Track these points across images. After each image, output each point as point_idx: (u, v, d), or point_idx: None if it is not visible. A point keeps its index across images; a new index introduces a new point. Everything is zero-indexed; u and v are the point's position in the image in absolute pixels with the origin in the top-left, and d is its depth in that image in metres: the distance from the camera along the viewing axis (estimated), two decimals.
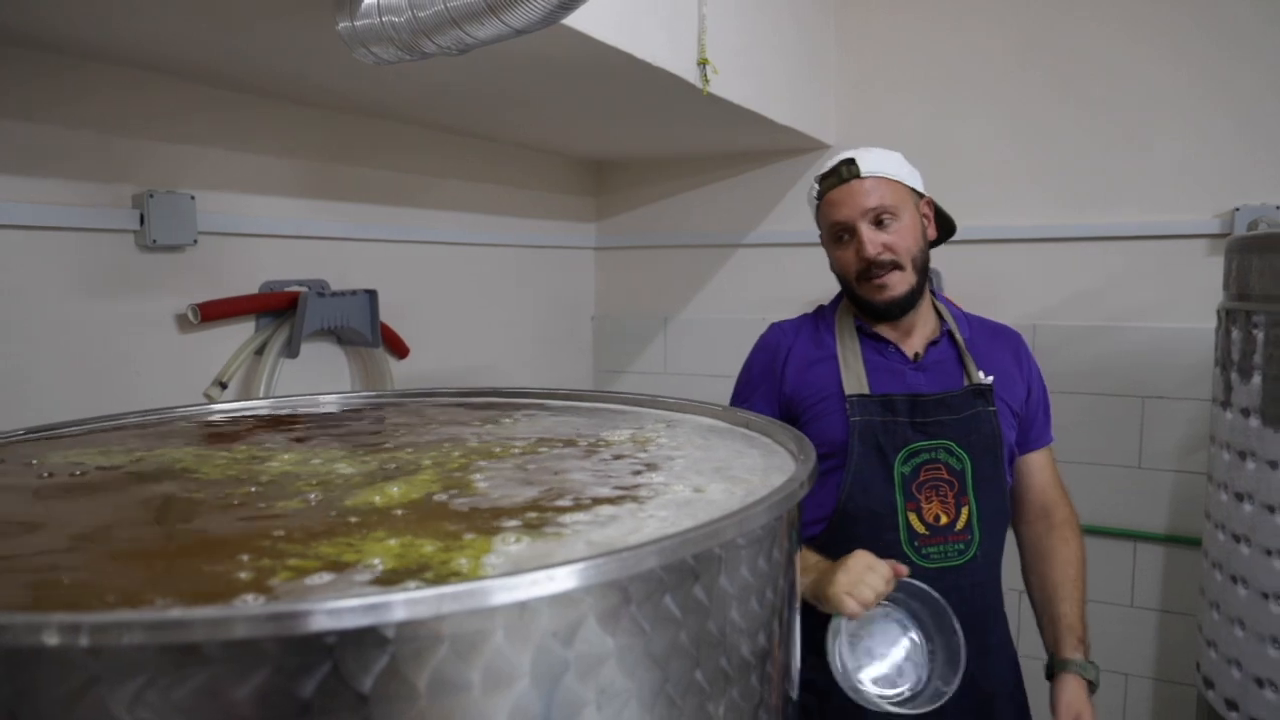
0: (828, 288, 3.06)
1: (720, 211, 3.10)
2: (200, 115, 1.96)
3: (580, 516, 0.78)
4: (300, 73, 1.88)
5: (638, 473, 0.93)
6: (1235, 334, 1.71)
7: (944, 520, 1.61)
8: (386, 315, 2.33)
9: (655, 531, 0.75)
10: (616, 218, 3.30)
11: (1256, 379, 1.65)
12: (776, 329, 1.84)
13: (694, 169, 3.14)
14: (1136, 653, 2.64)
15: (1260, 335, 1.63)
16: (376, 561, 0.69)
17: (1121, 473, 2.64)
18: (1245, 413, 1.68)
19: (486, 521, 0.79)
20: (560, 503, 0.83)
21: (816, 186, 1.73)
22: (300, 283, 2.15)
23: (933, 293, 1.77)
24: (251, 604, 0.60)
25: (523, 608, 0.58)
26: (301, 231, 2.21)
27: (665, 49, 1.90)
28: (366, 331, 2.22)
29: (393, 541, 0.73)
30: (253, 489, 0.91)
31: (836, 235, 1.70)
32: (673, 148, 2.98)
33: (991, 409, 1.65)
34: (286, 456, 1.06)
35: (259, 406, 1.45)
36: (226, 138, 2.02)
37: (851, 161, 1.66)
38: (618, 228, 3.29)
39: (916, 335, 1.71)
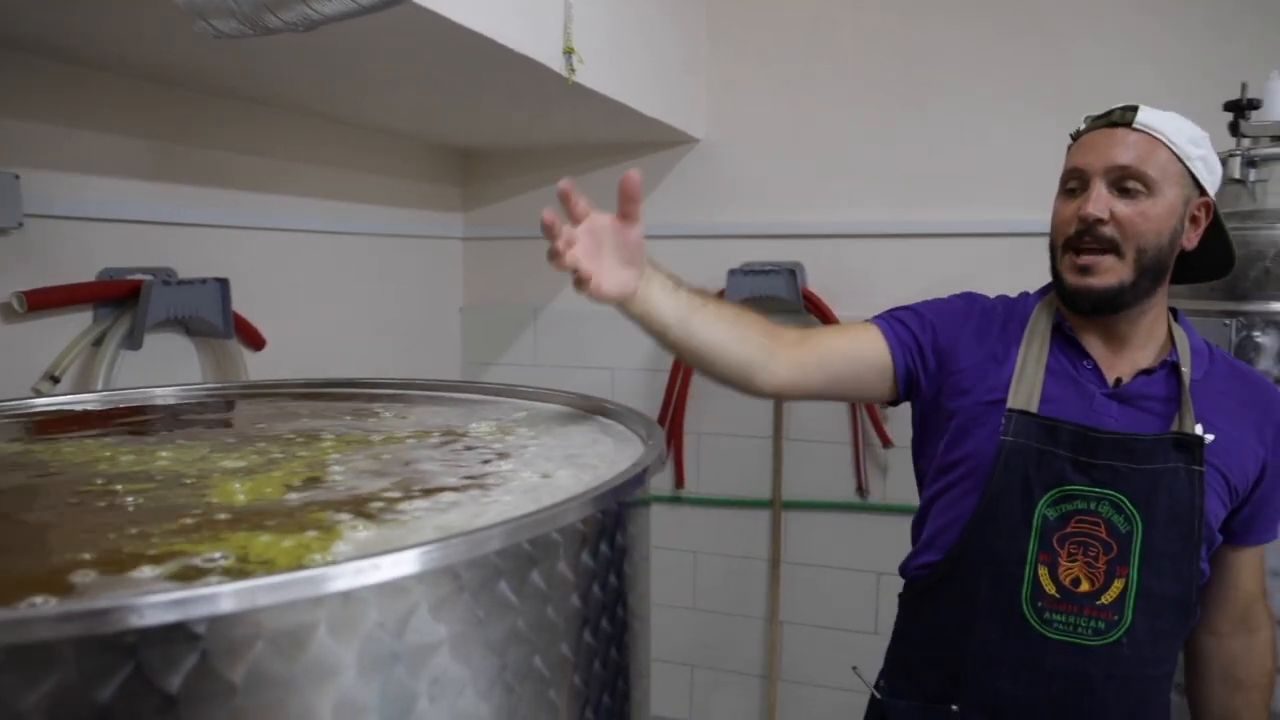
0: (699, 281, 3.10)
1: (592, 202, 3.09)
2: (26, 88, 1.82)
3: (420, 504, 0.76)
4: (138, 46, 1.77)
5: (487, 461, 0.92)
6: None
7: (1084, 587, 1.29)
8: (242, 305, 2.22)
9: (497, 517, 0.74)
10: (485, 208, 3.25)
11: None
12: (987, 302, 1.52)
13: (564, 159, 3.12)
14: None
15: None
16: (218, 555, 0.66)
17: None
18: None
19: (332, 513, 0.76)
20: (403, 492, 0.81)
21: (1081, 126, 1.40)
22: (145, 270, 2.03)
23: (1174, 316, 1.41)
24: (41, 605, 0.56)
25: (346, 598, 0.56)
26: (146, 216, 2.08)
27: (529, 36, 1.88)
28: (218, 322, 2.12)
29: (238, 536, 0.70)
30: (95, 485, 0.85)
31: (1067, 184, 1.36)
32: (541, 137, 2.96)
33: (1196, 469, 1.28)
34: (134, 451, 1.00)
35: (90, 400, 1.37)
36: (57, 113, 1.89)
37: (1133, 108, 1.32)
38: (486, 218, 3.25)
39: (1126, 357, 1.36)
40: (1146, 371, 1.34)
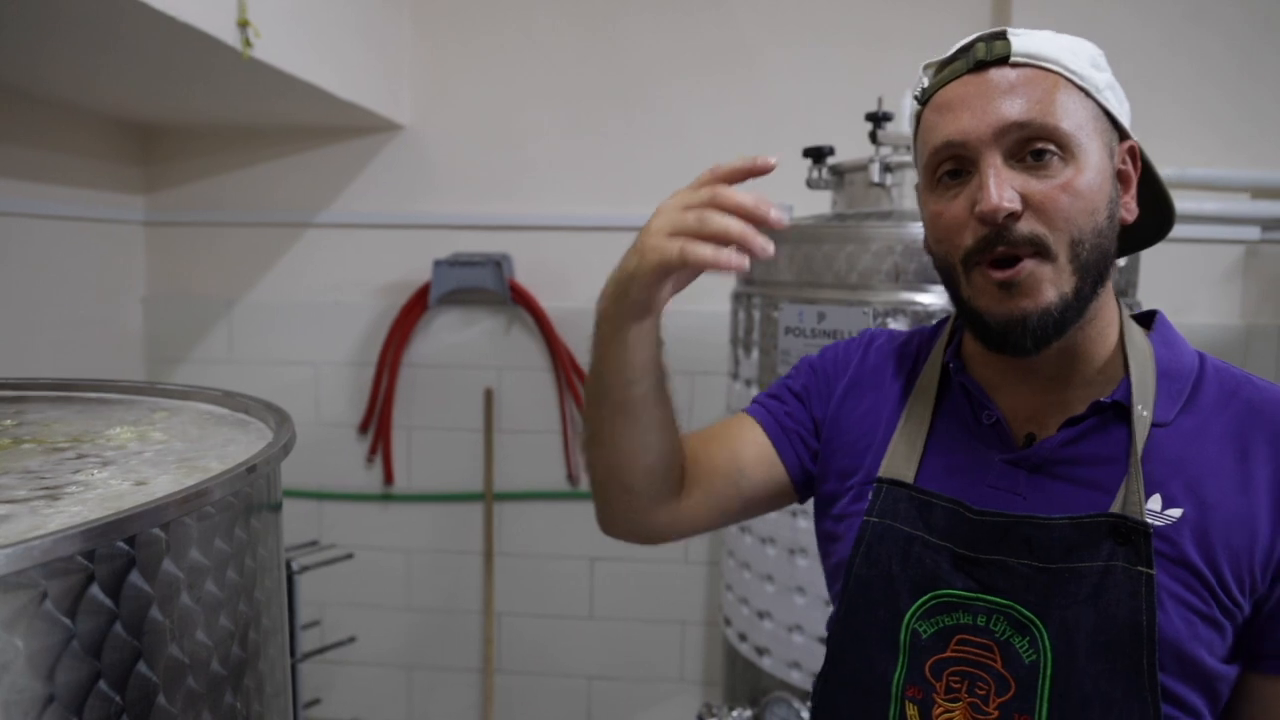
0: (405, 272, 3.06)
1: (290, 188, 2.92)
2: None
3: None
4: None
5: (78, 471, 0.83)
6: (741, 315, 1.96)
7: None
8: None
9: (58, 527, 0.67)
10: (171, 190, 2.98)
11: (755, 353, 1.89)
12: (870, 335, 1.14)
13: (261, 142, 2.92)
14: (690, 601, 2.93)
15: (758, 315, 1.87)
16: None
17: None
18: (748, 383, 1.92)
19: None
20: None
21: (924, 82, 0.96)
22: None
23: (1149, 322, 1.00)
24: None
25: None
26: None
27: (196, 4, 1.73)
28: None
29: None
30: None
31: (938, 170, 0.92)
32: (233, 116, 2.75)
33: (1141, 571, 0.85)
34: None
35: None
36: None
37: (1001, 34, 0.91)
38: (173, 201, 2.98)
39: (1055, 400, 0.95)
40: (1076, 419, 0.93)
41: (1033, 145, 0.87)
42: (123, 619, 0.64)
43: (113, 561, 0.63)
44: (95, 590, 0.62)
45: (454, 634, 2.98)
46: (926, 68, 0.96)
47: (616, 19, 2.80)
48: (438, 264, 2.74)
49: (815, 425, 1.09)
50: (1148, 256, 1.99)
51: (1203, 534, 0.87)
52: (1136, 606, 0.84)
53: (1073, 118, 0.88)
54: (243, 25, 1.91)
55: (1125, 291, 1.84)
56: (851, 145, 2.13)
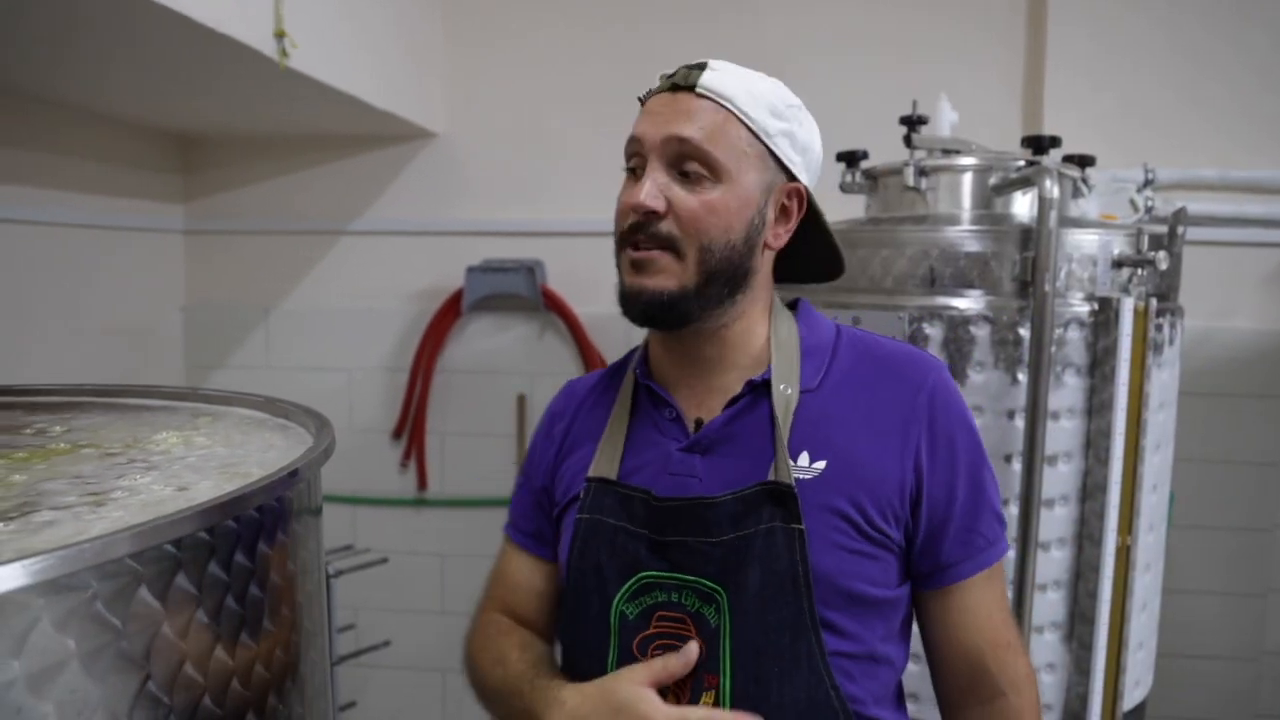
0: (438, 278, 3.07)
1: (325, 196, 2.95)
2: None
3: (6, 527, 0.68)
4: None
5: (121, 476, 0.84)
6: None
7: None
8: None
9: (100, 533, 0.68)
10: (209, 199, 3.02)
11: None
12: (566, 389, 1.26)
13: (296, 150, 2.96)
14: None
15: None
16: None
17: None
18: None
19: None
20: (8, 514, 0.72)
21: (652, 87, 1.12)
22: None
23: (794, 308, 1.16)
24: None
25: None
26: None
27: (234, 15, 1.76)
28: None
29: None
30: None
31: (628, 161, 1.08)
32: (268, 125, 2.79)
33: (795, 528, 0.98)
34: None
35: None
36: None
37: (700, 66, 1.06)
38: (211, 209, 3.02)
39: (715, 388, 1.09)
40: (732, 402, 1.07)
41: (687, 163, 1.02)
42: (170, 621, 0.65)
43: (160, 564, 0.64)
44: (144, 592, 0.63)
45: None
46: (661, 78, 1.10)
47: (646, 25, 2.80)
48: (470, 270, 2.76)
49: (547, 492, 1.18)
50: (1190, 259, 1.97)
51: (844, 479, 1.02)
52: (793, 559, 0.98)
53: (730, 149, 1.03)
54: (279, 36, 1.94)
55: (1166, 295, 1.80)
56: (885, 149, 2.11)
